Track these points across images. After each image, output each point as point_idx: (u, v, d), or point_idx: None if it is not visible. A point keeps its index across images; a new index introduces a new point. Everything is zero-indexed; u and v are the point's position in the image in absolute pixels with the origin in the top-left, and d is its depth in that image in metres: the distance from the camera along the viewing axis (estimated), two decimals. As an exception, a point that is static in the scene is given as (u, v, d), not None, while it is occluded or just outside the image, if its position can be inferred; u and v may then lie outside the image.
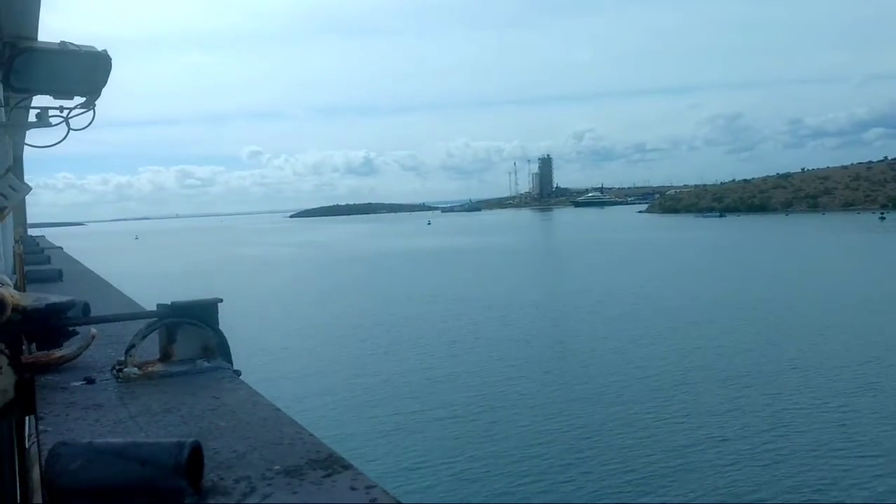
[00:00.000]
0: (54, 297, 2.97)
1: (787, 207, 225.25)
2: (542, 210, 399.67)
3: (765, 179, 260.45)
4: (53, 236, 29.44)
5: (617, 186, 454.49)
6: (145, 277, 70.56)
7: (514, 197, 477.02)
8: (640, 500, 21.12)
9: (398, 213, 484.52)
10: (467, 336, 46.77)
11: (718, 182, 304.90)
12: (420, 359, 40.33)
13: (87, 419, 2.18)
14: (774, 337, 42.33)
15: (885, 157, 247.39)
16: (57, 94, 4.62)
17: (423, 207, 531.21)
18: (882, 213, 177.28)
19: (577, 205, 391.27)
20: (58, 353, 2.89)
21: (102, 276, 9.11)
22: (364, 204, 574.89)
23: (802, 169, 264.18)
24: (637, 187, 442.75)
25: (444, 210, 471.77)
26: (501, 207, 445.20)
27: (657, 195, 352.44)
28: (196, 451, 1.48)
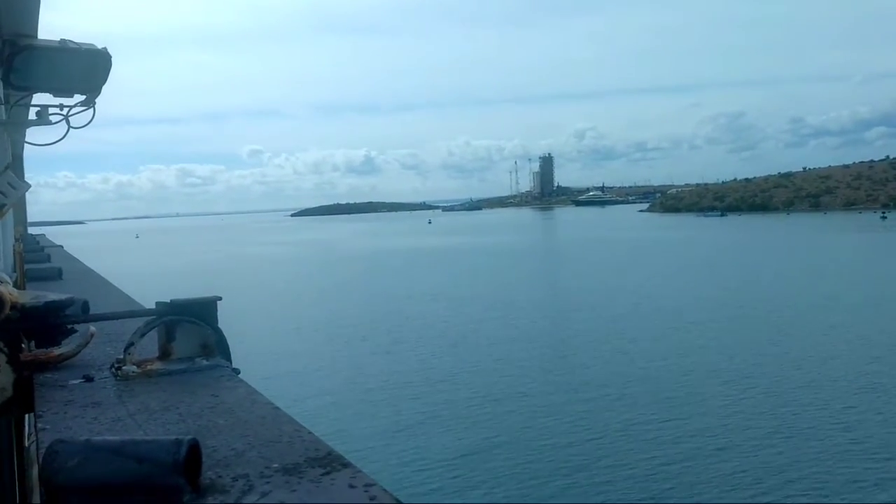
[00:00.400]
0: (53, 295, 2.97)
1: (788, 207, 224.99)
2: (543, 209, 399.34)
3: (766, 179, 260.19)
4: (54, 235, 29.50)
5: (618, 185, 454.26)
6: (146, 276, 70.58)
7: (514, 196, 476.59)
8: (642, 501, 21.13)
9: (399, 212, 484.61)
10: (469, 336, 46.78)
11: (720, 181, 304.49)
12: (421, 358, 40.36)
13: (85, 417, 2.18)
14: (776, 337, 42.33)
15: (887, 157, 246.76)
16: (57, 92, 4.62)
17: (423, 206, 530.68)
18: (884, 213, 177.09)
19: (578, 204, 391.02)
20: (56, 351, 2.89)
21: (102, 275, 9.12)
22: (365, 203, 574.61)
23: (804, 168, 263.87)
24: (638, 186, 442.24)
25: (445, 209, 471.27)
26: (502, 206, 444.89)
27: (658, 194, 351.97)
28: (194, 449, 1.48)
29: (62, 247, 16.82)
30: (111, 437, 1.60)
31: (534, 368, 37.29)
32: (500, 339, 45.44)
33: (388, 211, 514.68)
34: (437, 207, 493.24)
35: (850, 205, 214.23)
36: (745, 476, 22.23)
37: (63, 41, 4.47)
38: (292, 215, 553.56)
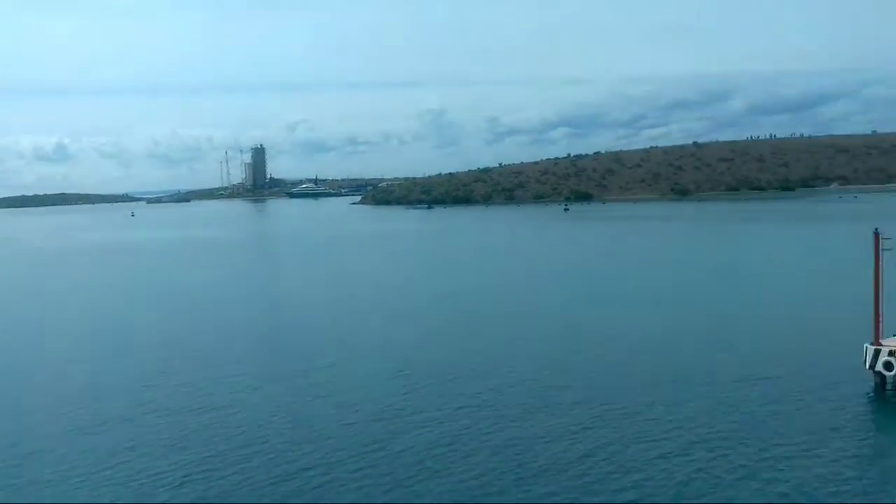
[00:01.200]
0: None
1: (487, 200, 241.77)
2: (256, 201, 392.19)
3: (468, 173, 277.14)
4: None
5: (331, 178, 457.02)
6: None
7: (226, 187, 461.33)
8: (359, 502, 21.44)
9: (98, 205, 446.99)
10: (177, 332, 44.69)
11: (426, 175, 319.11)
12: (98, 360, 37.79)
13: None
14: (475, 323, 45.53)
15: (569, 154, 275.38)
16: None
17: (125, 198, 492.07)
18: (566, 205, 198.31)
19: (292, 196, 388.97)
20: None
21: None
22: (56, 194, 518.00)
23: (500, 164, 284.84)
24: (351, 179, 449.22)
25: (151, 201, 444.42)
26: (213, 198, 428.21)
27: (370, 187, 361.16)
28: None
29: None
30: None
31: (249, 363, 36.56)
32: (210, 333, 44.01)
33: (85, 203, 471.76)
34: (140, 199, 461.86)
35: (539, 198, 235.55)
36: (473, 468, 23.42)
37: None
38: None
